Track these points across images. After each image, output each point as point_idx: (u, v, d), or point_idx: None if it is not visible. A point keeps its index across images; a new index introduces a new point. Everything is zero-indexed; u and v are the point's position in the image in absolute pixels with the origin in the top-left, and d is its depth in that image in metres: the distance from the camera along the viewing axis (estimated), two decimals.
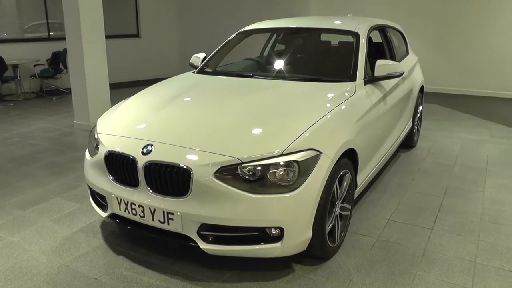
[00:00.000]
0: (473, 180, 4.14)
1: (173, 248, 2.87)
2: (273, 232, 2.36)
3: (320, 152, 2.43)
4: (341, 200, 2.81)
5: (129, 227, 2.68)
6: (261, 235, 2.37)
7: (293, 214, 2.33)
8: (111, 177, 2.63)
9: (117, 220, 2.71)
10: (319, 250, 2.61)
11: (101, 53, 5.79)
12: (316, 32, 4.26)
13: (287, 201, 2.30)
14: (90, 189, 2.95)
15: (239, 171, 2.30)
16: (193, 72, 4.00)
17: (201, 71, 3.99)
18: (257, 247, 2.37)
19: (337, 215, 2.74)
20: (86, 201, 3.63)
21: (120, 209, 2.60)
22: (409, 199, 3.71)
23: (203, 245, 2.39)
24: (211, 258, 2.72)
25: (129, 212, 2.56)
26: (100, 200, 2.83)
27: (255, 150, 2.33)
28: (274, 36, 5.00)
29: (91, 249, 2.89)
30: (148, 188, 2.46)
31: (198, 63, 4.13)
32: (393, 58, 4.28)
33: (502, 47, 7.96)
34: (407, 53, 5.02)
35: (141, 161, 2.45)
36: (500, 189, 3.92)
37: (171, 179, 2.38)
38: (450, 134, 5.73)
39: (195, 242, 2.40)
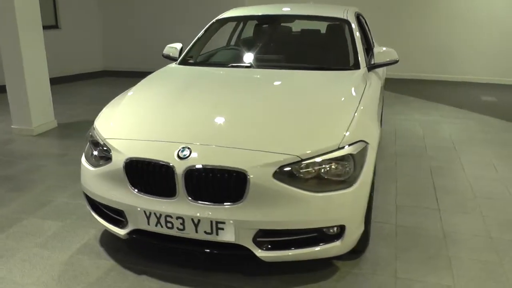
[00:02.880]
0: (449, 159, 4.39)
1: (197, 259, 2.58)
2: (331, 231, 2.23)
3: (367, 143, 2.35)
4: None
5: (155, 242, 2.35)
6: (320, 235, 2.22)
7: (353, 209, 2.23)
8: (135, 189, 2.27)
9: (137, 236, 2.36)
10: (362, 243, 2.54)
11: (39, 44, 5.00)
12: (302, 19, 4.12)
13: (348, 197, 2.18)
14: (92, 204, 2.54)
15: (297, 169, 2.12)
16: (176, 64, 3.66)
17: (185, 63, 3.66)
18: (317, 248, 2.21)
19: None
20: (68, 218, 3.13)
21: (149, 224, 2.26)
22: (403, 182, 3.80)
23: (260, 253, 2.17)
24: (247, 265, 2.51)
25: (162, 226, 2.23)
26: (115, 215, 2.43)
27: (313, 146, 2.16)
28: (241, 24, 4.80)
29: (103, 273, 2.49)
30: (189, 197, 2.16)
31: (176, 54, 3.78)
32: (371, 45, 4.34)
33: (434, 34, 8.56)
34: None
35: (180, 167, 2.13)
36: (475, 165, 4.21)
37: (219, 184, 2.11)
38: (406, 116, 6.03)
39: (250, 251, 2.17)
